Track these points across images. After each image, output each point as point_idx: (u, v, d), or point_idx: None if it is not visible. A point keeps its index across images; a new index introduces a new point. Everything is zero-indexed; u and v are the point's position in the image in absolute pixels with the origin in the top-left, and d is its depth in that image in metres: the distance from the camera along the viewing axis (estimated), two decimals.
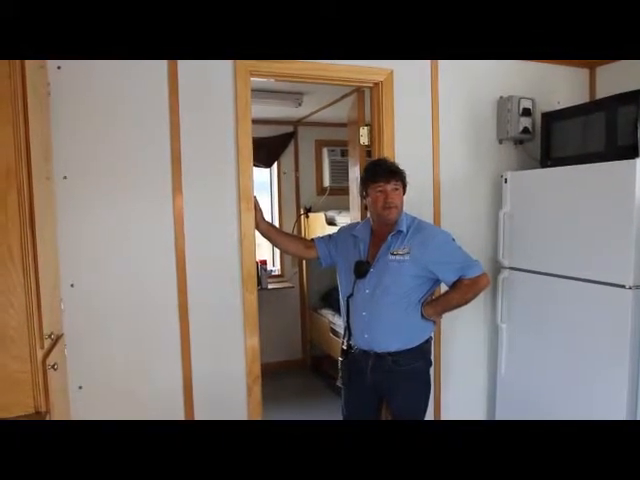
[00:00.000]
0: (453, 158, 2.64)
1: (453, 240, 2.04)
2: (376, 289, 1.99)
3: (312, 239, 2.34)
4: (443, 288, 2.14)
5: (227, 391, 2.29)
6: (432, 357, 2.13)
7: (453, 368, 2.71)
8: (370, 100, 2.57)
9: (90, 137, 2.03)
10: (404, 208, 2.05)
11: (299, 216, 4.37)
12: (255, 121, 3.97)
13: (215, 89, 2.21)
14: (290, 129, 4.32)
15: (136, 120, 2.09)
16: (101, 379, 2.08)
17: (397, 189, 2.00)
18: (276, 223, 4.45)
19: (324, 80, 2.45)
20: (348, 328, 2.10)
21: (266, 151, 4.16)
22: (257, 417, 2.34)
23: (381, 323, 1.99)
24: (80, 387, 2.05)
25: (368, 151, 2.68)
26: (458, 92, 2.63)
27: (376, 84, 2.48)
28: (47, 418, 1.58)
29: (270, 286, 4.12)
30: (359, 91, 2.72)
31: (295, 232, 4.37)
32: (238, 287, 2.30)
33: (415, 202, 2.30)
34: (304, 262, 4.38)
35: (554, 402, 2.37)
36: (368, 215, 2.15)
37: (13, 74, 1.50)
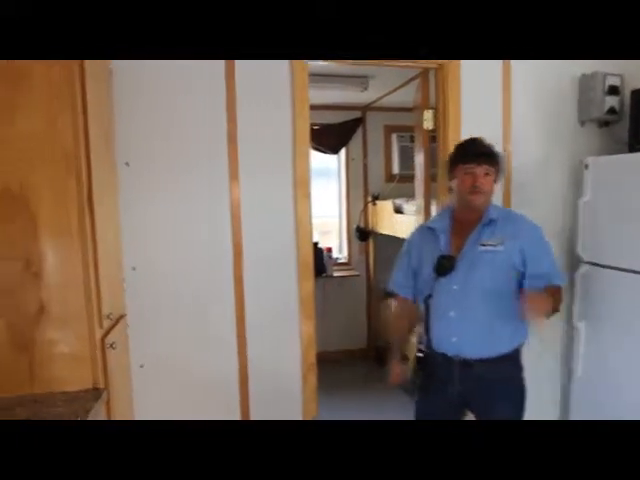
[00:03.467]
0: (526, 143, 2.44)
1: (545, 238, 1.82)
2: (466, 285, 1.74)
3: (394, 293, 2.03)
4: None
5: (282, 377, 2.30)
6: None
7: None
8: (435, 82, 2.44)
9: (151, 125, 2.09)
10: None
11: (366, 204, 4.29)
12: (321, 107, 4.01)
13: (272, 74, 2.19)
14: (358, 114, 4.23)
15: (194, 109, 2.13)
16: (161, 359, 2.16)
17: (489, 174, 1.77)
18: (343, 211, 4.41)
19: (386, 64, 2.35)
20: (427, 333, 1.84)
21: (333, 137, 4.11)
22: (312, 405, 2.33)
23: (473, 324, 1.74)
24: (141, 366, 2.14)
25: (433, 136, 2.55)
26: (533, 70, 2.42)
27: (441, 65, 2.34)
28: (104, 395, 1.66)
29: (336, 274, 4.10)
30: (424, 73, 2.59)
31: (361, 220, 4.30)
32: (294, 274, 2.28)
33: None
34: (370, 251, 4.31)
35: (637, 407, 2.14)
36: (449, 202, 1.95)
37: (71, 85, 1.57)
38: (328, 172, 4.48)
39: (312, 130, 4.00)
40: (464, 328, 1.76)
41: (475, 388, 1.77)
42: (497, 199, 2.36)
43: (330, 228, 4.59)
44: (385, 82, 3.36)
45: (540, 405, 2.59)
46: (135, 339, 2.11)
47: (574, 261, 2.43)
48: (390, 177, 4.32)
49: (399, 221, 3.65)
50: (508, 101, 2.40)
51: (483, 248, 1.75)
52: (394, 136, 4.27)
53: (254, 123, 2.19)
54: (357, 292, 4.33)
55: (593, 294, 2.36)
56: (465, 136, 2.32)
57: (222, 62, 2.13)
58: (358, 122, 4.23)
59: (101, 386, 1.68)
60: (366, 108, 4.21)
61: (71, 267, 1.62)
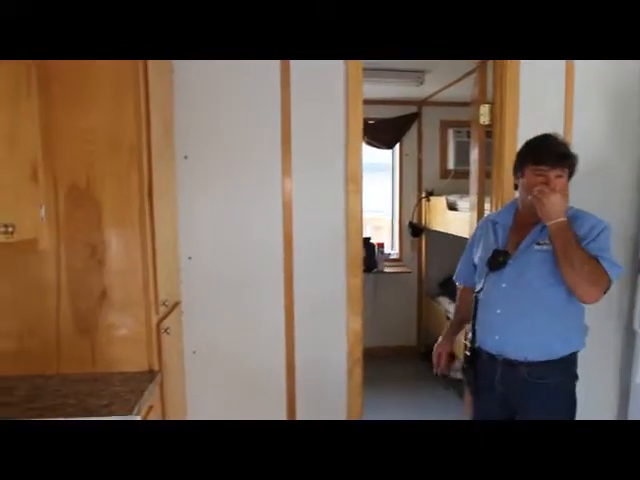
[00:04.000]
0: (589, 142, 2.32)
1: (610, 235, 1.66)
2: (516, 283, 1.68)
3: (460, 282, 2.03)
4: None
5: (328, 371, 2.33)
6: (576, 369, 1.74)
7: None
8: (493, 76, 2.37)
9: (208, 121, 2.17)
10: None
11: (420, 199, 4.24)
12: (377, 102, 3.99)
13: (326, 71, 2.21)
14: (414, 109, 4.18)
15: (250, 105, 2.19)
16: (212, 346, 2.25)
17: (562, 177, 1.67)
18: (396, 206, 4.38)
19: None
20: (473, 328, 1.80)
21: (388, 132, 4.09)
22: (357, 399, 2.35)
23: (518, 323, 1.67)
24: (194, 352, 2.23)
25: (489, 132, 2.48)
26: (599, 62, 2.30)
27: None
28: (158, 377, 1.76)
29: (387, 269, 4.08)
30: (481, 67, 2.52)
31: (414, 216, 4.26)
32: (342, 270, 2.30)
33: None
34: (423, 247, 4.26)
35: None
36: (515, 196, 1.86)
37: (136, 65, 1.66)
38: (382, 167, 4.46)
39: (367, 125, 4.04)
40: (508, 327, 1.69)
41: (518, 391, 1.70)
42: None
43: (383, 224, 4.57)
44: (441, 76, 3.30)
45: (595, 416, 2.49)
46: (189, 326, 2.21)
47: (636, 263, 2.31)
48: (445, 173, 4.24)
49: (452, 218, 3.58)
50: (570, 96, 2.30)
51: (538, 247, 1.67)
52: (450, 131, 4.19)
53: (308, 119, 2.22)
54: (408, 289, 4.29)
55: None
56: (522, 133, 2.27)
57: (277, 61, 2.17)
58: (414, 117, 4.18)
59: (156, 368, 1.78)
60: (422, 103, 4.15)
61: (131, 255, 1.73)
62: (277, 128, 2.20)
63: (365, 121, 4.01)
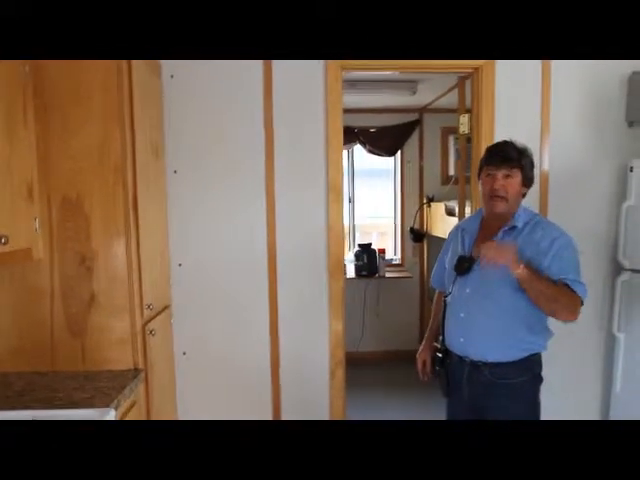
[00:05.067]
0: (567, 146, 2.38)
1: (575, 248, 1.69)
2: (479, 288, 1.74)
3: (435, 287, 2.09)
4: None
5: (311, 372, 2.44)
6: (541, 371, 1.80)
7: (556, 382, 2.37)
8: (471, 86, 2.44)
9: (196, 138, 2.33)
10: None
11: (421, 205, 4.30)
12: (378, 110, 4.08)
13: (307, 85, 2.34)
14: (415, 117, 4.25)
15: (235, 122, 2.34)
16: (201, 348, 2.39)
17: (510, 177, 1.69)
18: (398, 212, 4.46)
19: (421, 68, 2.40)
20: (442, 331, 1.88)
21: (389, 140, 4.17)
22: (339, 401, 2.45)
23: (480, 327, 1.74)
24: (184, 353, 2.38)
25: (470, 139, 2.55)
26: (576, 69, 2.34)
27: (476, 69, 2.35)
28: (142, 374, 1.90)
29: (388, 275, 4.15)
30: (462, 78, 2.60)
31: (417, 222, 4.32)
32: (324, 276, 2.41)
33: None
34: (425, 253, 4.31)
35: None
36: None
37: (120, 83, 1.82)
38: (383, 173, 4.54)
39: (368, 133, 4.16)
40: (471, 330, 1.76)
41: (482, 391, 1.76)
42: (533, 204, 2.33)
43: (388, 229, 4.65)
44: (434, 86, 3.37)
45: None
46: (179, 328, 2.35)
47: (615, 268, 2.33)
48: (447, 179, 4.29)
49: (451, 224, 3.62)
50: (547, 102, 2.35)
51: None
52: (451, 138, 4.24)
53: (290, 133, 2.35)
54: (410, 294, 4.35)
55: (635, 303, 2.25)
56: (499, 139, 2.33)
57: (260, 76, 2.30)
58: (415, 124, 4.26)
59: (141, 367, 1.93)
60: (423, 110, 4.22)
61: (117, 263, 1.88)
62: (261, 142, 2.34)
63: (366, 130, 4.16)
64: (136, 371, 1.90)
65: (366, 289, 4.14)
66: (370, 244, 4.14)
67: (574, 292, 1.63)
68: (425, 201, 4.27)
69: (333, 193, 2.37)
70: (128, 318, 1.90)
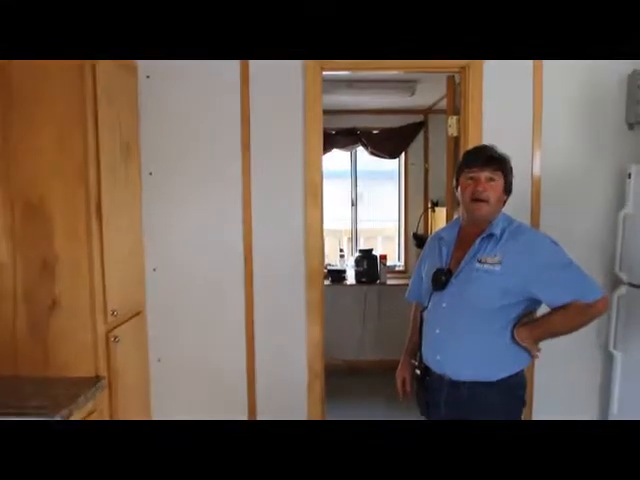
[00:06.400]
0: (560, 150, 2.23)
1: (562, 252, 1.60)
2: (455, 303, 1.65)
3: (412, 300, 1.98)
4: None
5: (288, 386, 2.35)
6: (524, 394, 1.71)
7: (549, 404, 2.27)
8: (460, 86, 2.32)
9: (172, 139, 2.28)
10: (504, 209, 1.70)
11: (426, 209, 4.16)
12: (381, 111, 3.98)
13: (285, 85, 2.26)
14: (420, 118, 4.13)
15: (212, 122, 2.27)
16: (177, 355, 2.34)
17: (494, 180, 1.62)
18: (402, 216, 4.33)
19: (406, 68, 2.30)
20: (420, 348, 1.77)
21: (392, 142, 4.05)
22: (317, 416, 2.35)
23: (457, 344, 1.64)
24: (159, 360, 2.33)
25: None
26: (570, 69, 2.20)
27: (463, 68, 2.23)
28: (102, 383, 1.86)
29: (390, 282, 4.03)
30: (450, 77, 2.48)
31: (421, 227, 4.18)
32: (302, 283, 2.33)
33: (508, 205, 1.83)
34: None
35: None
36: (458, 213, 1.87)
37: (83, 84, 1.78)
38: (386, 175, 4.43)
39: (370, 134, 4.05)
40: (447, 347, 1.66)
41: (460, 413, 1.65)
42: (524, 211, 2.20)
43: (392, 233, 4.52)
44: (433, 86, 3.24)
45: None
46: (154, 335, 2.31)
47: (612, 281, 2.17)
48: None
49: None
50: (539, 106, 2.21)
51: (479, 265, 1.62)
52: None
53: (267, 134, 2.28)
54: None
55: (633, 319, 2.09)
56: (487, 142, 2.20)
57: (237, 76, 2.24)
58: (419, 126, 4.13)
59: (103, 375, 1.89)
60: (428, 111, 4.09)
61: (79, 267, 1.85)
62: (237, 144, 2.27)
63: (369, 131, 4.06)
64: (97, 379, 1.87)
65: (366, 296, 4.03)
66: (371, 250, 4.03)
67: (591, 301, 1.55)
68: (429, 205, 4.12)
69: (312, 197, 2.29)
70: (90, 324, 1.87)
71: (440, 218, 3.95)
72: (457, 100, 2.44)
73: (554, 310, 1.59)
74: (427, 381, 1.74)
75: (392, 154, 4.13)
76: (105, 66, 1.87)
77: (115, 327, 1.99)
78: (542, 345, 1.64)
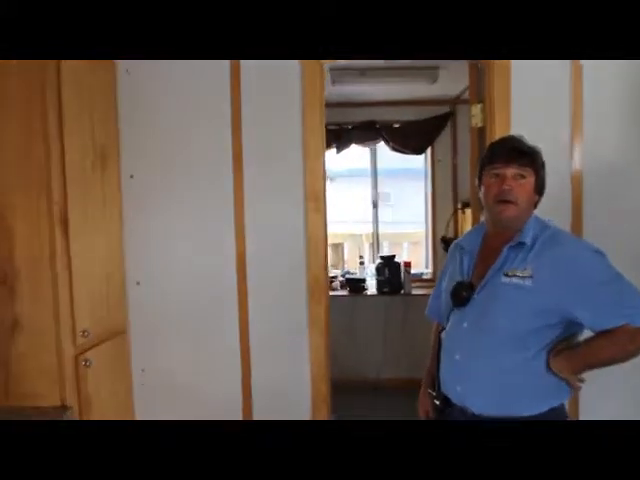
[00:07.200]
0: (604, 141, 1.89)
1: (608, 264, 1.32)
2: (478, 323, 1.39)
3: (432, 318, 1.75)
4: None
5: (289, 412, 2.06)
6: None
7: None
8: (486, 72, 1.99)
9: (155, 138, 2.06)
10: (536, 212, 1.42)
11: (455, 210, 3.79)
12: (403, 102, 3.63)
13: (281, 80, 2.02)
14: (446, 109, 3.76)
15: (200, 122, 2.05)
16: (163, 379, 2.10)
17: (523, 177, 1.36)
18: (429, 218, 3.98)
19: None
20: (437, 375, 1.53)
21: (416, 136, 3.71)
22: None
23: (479, 372, 1.39)
24: (142, 384, 2.10)
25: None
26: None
27: None
28: (70, 413, 1.65)
29: (416, 291, 3.68)
30: (473, 62, 2.15)
31: (450, 230, 3.81)
32: (303, 297, 2.06)
33: (543, 206, 1.50)
34: None
35: None
36: (482, 218, 1.59)
37: (44, 84, 1.59)
38: (412, 172, 4.08)
39: (391, 129, 3.72)
40: (469, 376, 1.39)
41: None
42: (564, 213, 1.86)
43: (418, 238, 4.18)
44: (457, 73, 2.87)
45: None
46: (139, 354, 2.09)
47: None
48: None
49: None
50: (579, 90, 1.86)
51: (506, 279, 1.34)
52: None
53: (261, 133, 2.04)
54: None
55: None
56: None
57: (227, 69, 2.00)
58: (446, 118, 3.76)
59: (69, 404, 1.68)
60: (456, 101, 3.71)
61: (42, 285, 1.66)
62: (228, 144, 2.03)
63: (390, 125, 3.73)
64: (64, 408, 1.66)
65: (389, 308, 3.70)
66: (393, 256, 3.69)
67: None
68: (459, 206, 3.75)
69: (313, 203, 2.01)
70: (54, 346, 1.66)
71: (470, 220, 3.59)
72: (481, 86, 2.11)
73: (598, 335, 1.30)
74: (447, 412, 1.48)
75: (416, 150, 3.78)
76: (73, 63, 1.68)
77: (87, 349, 1.78)
78: (587, 374, 1.34)
